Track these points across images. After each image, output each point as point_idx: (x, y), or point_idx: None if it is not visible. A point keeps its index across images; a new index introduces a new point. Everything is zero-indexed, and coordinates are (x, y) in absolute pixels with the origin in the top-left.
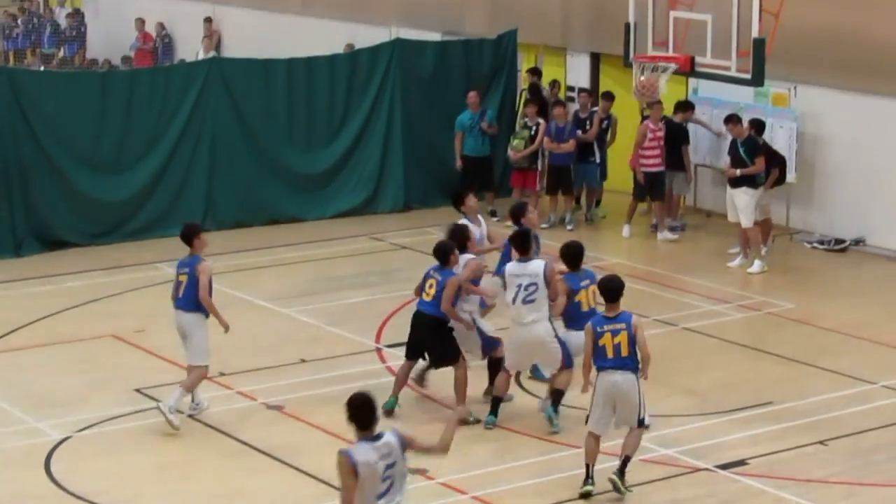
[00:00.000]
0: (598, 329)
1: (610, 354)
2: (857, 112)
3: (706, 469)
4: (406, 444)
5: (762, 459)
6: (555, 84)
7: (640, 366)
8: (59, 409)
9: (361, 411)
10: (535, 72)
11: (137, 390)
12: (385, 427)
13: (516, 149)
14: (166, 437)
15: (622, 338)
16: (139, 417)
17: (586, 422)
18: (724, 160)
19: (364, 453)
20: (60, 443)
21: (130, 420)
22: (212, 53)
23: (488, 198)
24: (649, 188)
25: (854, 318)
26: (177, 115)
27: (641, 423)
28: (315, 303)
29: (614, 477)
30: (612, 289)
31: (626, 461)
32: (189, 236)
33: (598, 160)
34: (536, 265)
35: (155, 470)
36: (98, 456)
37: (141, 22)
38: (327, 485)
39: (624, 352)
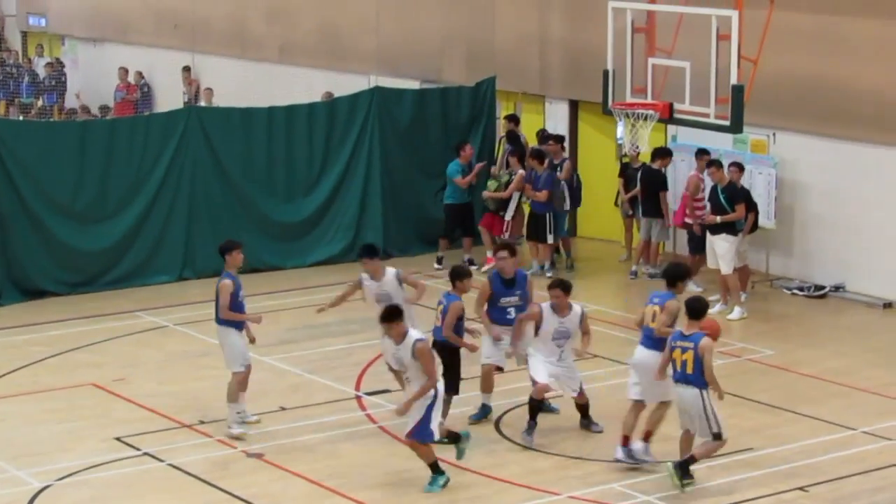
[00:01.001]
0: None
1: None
2: (836, 159)
3: None
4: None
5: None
6: (543, 133)
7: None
8: (39, 457)
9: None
10: (514, 119)
11: (118, 439)
12: None
13: (490, 188)
14: (146, 486)
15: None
16: (120, 466)
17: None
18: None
19: None
20: (41, 491)
21: (111, 468)
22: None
23: (466, 244)
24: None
25: (834, 365)
26: (156, 165)
27: (718, 437)
28: (295, 351)
29: (672, 468)
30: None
31: (691, 460)
32: (222, 251)
33: (568, 208)
34: None
35: None
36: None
37: (124, 71)
38: None
39: (689, 369)
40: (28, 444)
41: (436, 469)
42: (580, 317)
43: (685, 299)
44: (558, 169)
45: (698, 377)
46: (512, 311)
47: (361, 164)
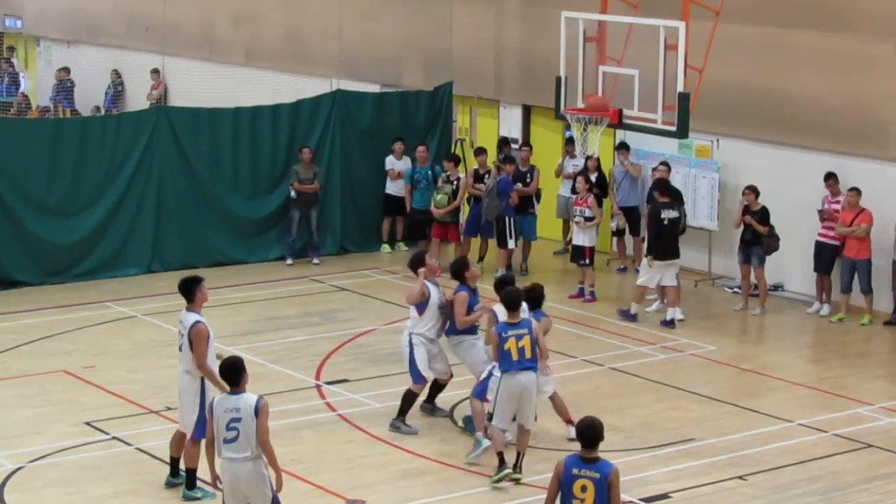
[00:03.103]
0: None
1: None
2: (776, 164)
3: (631, 502)
4: (259, 412)
5: (684, 493)
6: (505, 141)
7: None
8: (12, 440)
9: (230, 371)
10: (506, 142)
11: (88, 423)
12: None
13: (439, 204)
14: (116, 469)
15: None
16: (90, 449)
17: None
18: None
19: (221, 400)
20: (14, 472)
21: (81, 452)
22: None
23: (426, 247)
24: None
25: (772, 360)
26: (126, 161)
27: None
28: (258, 341)
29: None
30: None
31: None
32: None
33: (536, 212)
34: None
35: (105, 499)
36: (50, 486)
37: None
38: None
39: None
40: (1, 427)
41: None
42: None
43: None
44: (528, 176)
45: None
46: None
47: (323, 163)
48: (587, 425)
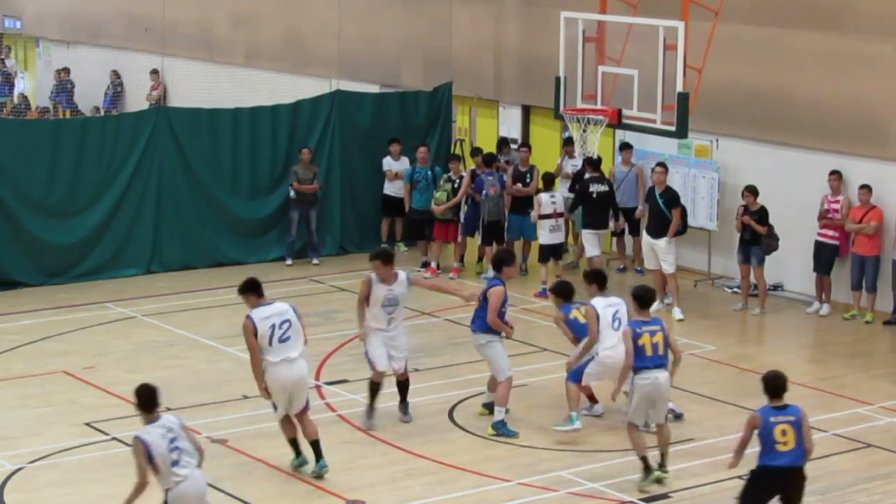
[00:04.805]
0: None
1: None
2: (776, 164)
3: (631, 502)
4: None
5: (684, 493)
6: (505, 142)
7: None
8: (12, 441)
9: (146, 398)
10: (505, 142)
11: (88, 424)
12: None
13: (438, 201)
14: (116, 469)
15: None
16: (89, 450)
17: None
18: (640, 209)
19: (152, 436)
20: (14, 473)
21: (81, 452)
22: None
23: (431, 248)
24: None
25: (772, 361)
26: (126, 162)
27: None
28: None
29: None
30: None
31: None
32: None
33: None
34: None
35: (104, 500)
36: (50, 486)
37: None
38: None
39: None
40: (1, 428)
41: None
42: (407, 281)
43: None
44: (527, 176)
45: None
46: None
47: (322, 164)
48: (773, 376)
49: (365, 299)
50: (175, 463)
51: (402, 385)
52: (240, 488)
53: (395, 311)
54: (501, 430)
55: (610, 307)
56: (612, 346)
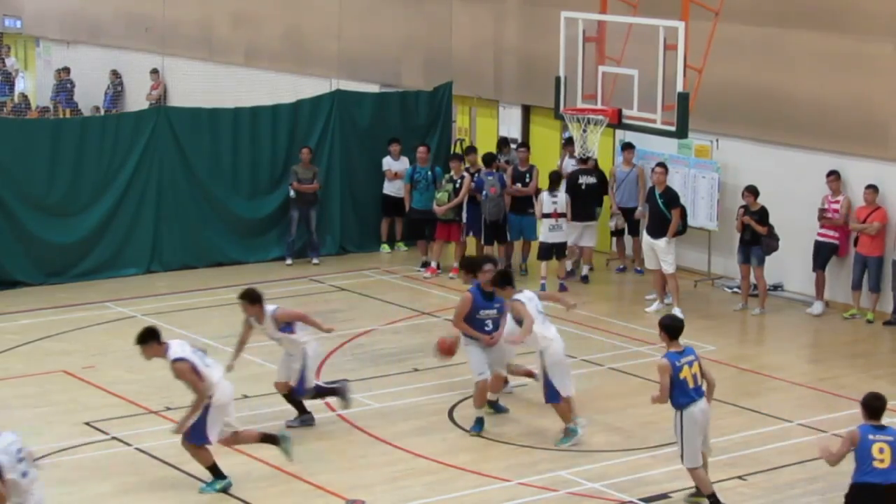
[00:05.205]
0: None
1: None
2: (776, 164)
3: (631, 502)
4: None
5: (684, 493)
6: (505, 142)
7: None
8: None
9: None
10: (505, 143)
11: (87, 423)
12: None
13: (440, 202)
14: (114, 468)
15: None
16: (90, 449)
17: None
18: (640, 209)
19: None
20: None
21: (81, 452)
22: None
23: (431, 248)
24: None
25: (772, 361)
26: (126, 162)
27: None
28: (257, 342)
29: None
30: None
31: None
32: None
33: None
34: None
35: (104, 499)
36: (50, 486)
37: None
38: None
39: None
40: (1, 427)
41: (215, 472)
42: (272, 319)
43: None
44: (527, 176)
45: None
46: (489, 323)
47: (322, 163)
48: (874, 397)
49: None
50: (24, 474)
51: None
52: (240, 488)
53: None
54: (473, 428)
55: (531, 301)
56: (552, 337)
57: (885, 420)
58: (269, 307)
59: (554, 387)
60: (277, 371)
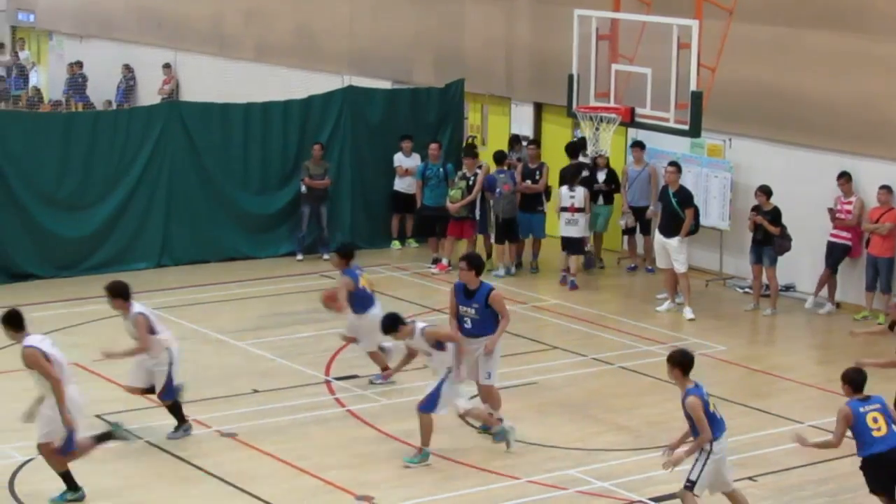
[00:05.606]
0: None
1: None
2: (788, 164)
3: (640, 501)
4: None
5: None
6: (516, 139)
7: None
8: (22, 432)
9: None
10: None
11: (97, 416)
12: None
13: (453, 199)
14: (125, 461)
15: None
16: None
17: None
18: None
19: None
20: (24, 464)
21: None
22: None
23: (442, 245)
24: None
25: (782, 361)
26: (138, 156)
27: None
28: (267, 337)
29: None
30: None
31: None
32: None
33: (545, 210)
34: None
35: (114, 491)
36: (59, 478)
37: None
38: None
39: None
40: (11, 419)
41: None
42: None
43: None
44: (537, 173)
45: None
46: (468, 321)
47: (333, 159)
48: (855, 371)
49: None
50: None
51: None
52: (249, 483)
53: None
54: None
55: None
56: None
57: (829, 418)
58: (419, 325)
59: (435, 397)
60: (133, 376)
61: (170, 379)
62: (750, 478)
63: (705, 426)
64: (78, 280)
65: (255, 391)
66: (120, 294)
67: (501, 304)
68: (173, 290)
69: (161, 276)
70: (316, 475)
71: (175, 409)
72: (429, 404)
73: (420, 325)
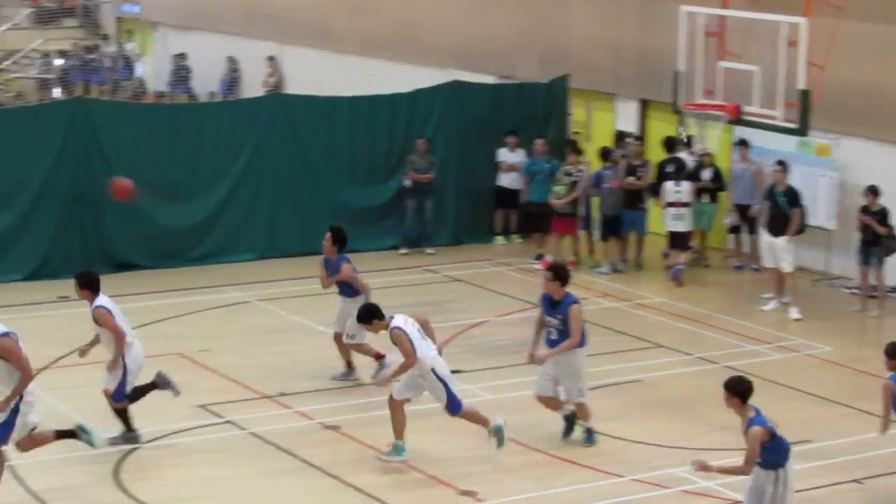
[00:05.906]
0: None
1: None
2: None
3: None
4: None
5: (799, 495)
6: (622, 136)
7: None
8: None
9: None
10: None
11: (202, 406)
12: None
13: (558, 195)
14: (229, 452)
15: None
16: (203, 432)
17: None
18: (757, 207)
19: None
20: (130, 453)
21: (195, 434)
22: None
23: (541, 240)
24: None
25: None
26: (243, 148)
27: None
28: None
29: None
30: None
31: None
32: None
33: (647, 207)
34: None
35: (217, 482)
36: (164, 467)
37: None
38: (380, 501)
39: None
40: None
41: None
42: None
43: None
44: (639, 170)
45: None
46: (553, 332)
47: (438, 153)
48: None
49: None
50: None
51: None
52: (351, 475)
53: None
54: (587, 440)
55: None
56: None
57: None
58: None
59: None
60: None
61: (123, 381)
62: (856, 480)
63: (753, 458)
64: (183, 271)
65: (358, 384)
66: (88, 285)
67: (576, 319)
68: (278, 281)
69: (266, 267)
70: (420, 468)
71: (122, 414)
72: (455, 405)
73: (396, 323)
